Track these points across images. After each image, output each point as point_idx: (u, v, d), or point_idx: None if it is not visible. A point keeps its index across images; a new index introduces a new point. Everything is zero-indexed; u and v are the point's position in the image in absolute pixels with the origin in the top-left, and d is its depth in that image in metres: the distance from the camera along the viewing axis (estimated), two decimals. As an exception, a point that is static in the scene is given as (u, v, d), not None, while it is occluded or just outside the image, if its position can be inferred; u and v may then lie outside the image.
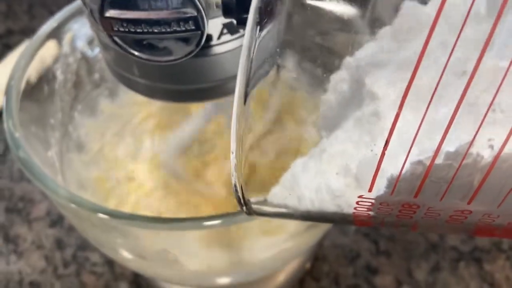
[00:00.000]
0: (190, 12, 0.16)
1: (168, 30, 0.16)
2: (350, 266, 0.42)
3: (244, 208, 0.18)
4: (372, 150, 0.15)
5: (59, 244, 0.43)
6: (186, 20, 0.16)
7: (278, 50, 0.18)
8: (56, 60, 0.31)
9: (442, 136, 0.14)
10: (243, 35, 0.21)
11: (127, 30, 0.16)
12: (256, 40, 0.15)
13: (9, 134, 0.25)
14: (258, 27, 0.16)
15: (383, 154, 0.15)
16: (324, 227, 0.28)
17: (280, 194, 0.18)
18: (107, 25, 0.16)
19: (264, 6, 0.16)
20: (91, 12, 0.19)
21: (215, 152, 0.37)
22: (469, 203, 0.16)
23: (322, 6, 0.21)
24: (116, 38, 0.16)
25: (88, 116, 0.36)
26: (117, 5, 0.15)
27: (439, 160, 0.14)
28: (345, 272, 0.42)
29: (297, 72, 0.40)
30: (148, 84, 0.22)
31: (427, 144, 0.14)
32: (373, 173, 0.15)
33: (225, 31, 0.20)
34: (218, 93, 0.23)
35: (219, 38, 0.20)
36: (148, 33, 0.16)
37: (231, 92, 0.23)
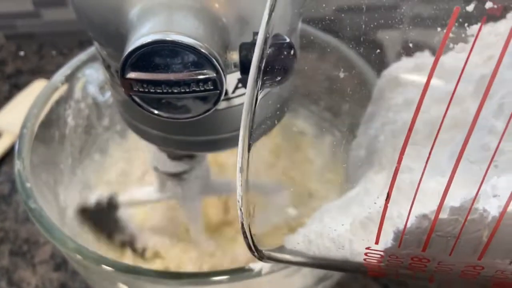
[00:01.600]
0: (209, 73, 0.16)
1: (187, 90, 0.16)
2: (359, 311, 0.41)
3: (255, 254, 0.17)
4: (375, 203, 0.15)
5: (63, 288, 0.43)
6: (205, 81, 0.16)
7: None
8: (68, 106, 0.32)
9: (444, 191, 0.14)
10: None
11: (146, 90, 0.16)
12: (257, 96, 0.15)
13: (20, 183, 0.25)
14: (259, 84, 0.16)
15: (385, 207, 0.15)
16: (332, 281, 0.27)
17: (292, 241, 0.18)
18: (127, 85, 0.16)
19: (264, 66, 0.16)
20: (109, 67, 0.20)
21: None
22: (479, 258, 0.15)
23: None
24: (135, 97, 0.16)
25: (97, 160, 0.36)
26: (138, 67, 0.15)
27: (444, 215, 0.14)
28: (355, 317, 0.41)
29: (304, 116, 0.40)
30: (160, 135, 0.22)
31: (429, 198, 0.14)
32: (377, 226, 0.15)
33: (240, 85, 0.20)
34: (231, 144, 0.23)
35: (233, 92, 0.21)
36: (167, 93, 0.16)
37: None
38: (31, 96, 0.33)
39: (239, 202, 0.16)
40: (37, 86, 0.50)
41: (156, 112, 0.17)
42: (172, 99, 0.17)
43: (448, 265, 0.16)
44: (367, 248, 0.16)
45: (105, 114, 0.35)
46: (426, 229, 0.15)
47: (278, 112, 0.24)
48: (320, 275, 0.25)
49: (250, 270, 0.21)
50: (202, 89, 0.16)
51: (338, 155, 0.37)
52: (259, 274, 0.21)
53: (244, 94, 0.21)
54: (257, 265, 0.21)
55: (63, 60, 0.33)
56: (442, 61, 0.14)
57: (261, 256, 0.18)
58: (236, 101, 0.21)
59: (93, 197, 0.34)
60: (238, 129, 0.23)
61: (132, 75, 0.16)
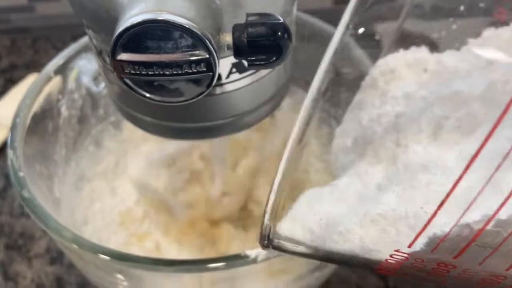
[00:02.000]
0: (202, 54, 0.16)
1: (180, 72, 0.16)
2: (357, 303, 0.41)
3: (266, 241, 0.17)
4: (422, 208, 0.15)
5: (59, 282, 0.42)
6: (198, 62, 0.16)
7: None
8: (61, 96, 0.31)
9: (501, 204, 0.14)
10: (251, 74, 0.21)
11: (138, 72, 0.16)
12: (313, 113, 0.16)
13: (13, 173, 0.25)
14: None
15: (435, 213, 0.14)
16: (328, 270, 0.27)
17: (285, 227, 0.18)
18: (118, 67, 0.16)
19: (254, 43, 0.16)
20: (101, 52, 0.20)
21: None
22: (507, 269, 0.15)
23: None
24: (126, 80, 0.16)
25: (91, 151, 0.35)
26: (129, 48, 0.15)
27: (488, 226, 0.14)
28: (352, 309, 0.41)
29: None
30: (154, 122, 0.22)
31: (483, 209, 0.14)
32: (418, 231, 0.15)
33: (234, 70, 0.20)
34: (225, 131, 0.23)
35: (228, 77, 0.20)
36: (159, 75, 0.16)
37: (237, 129, 0.23)
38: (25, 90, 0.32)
39: (273, 191, 0.16)
40: (32, 80, 0.49)
41: (148, 95, 0.17)
42: (164, 81, 0.16)
43: (472, 273, 0.16)
44: (396, 250, 0.16)
45: (99, 105, 0.35)
46: (466, 238, 0.15)
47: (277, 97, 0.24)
48: (316, 264, 0.25)
49: (246, 257, 0.21)
50: (195, 71, 0.16)
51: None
52: (254, 261, 0.21)
53: (238, 79, 0.21)
54: (252, 252, 0.21)
55: (58, 54, 0.33)
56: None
57: (268, 245, 0.17)
58: (230, 87, 0.21)
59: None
60: (233, 116, 0.23)
61: (123, 56, 0.15)
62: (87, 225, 0.33)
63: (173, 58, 0.15)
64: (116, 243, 0.33)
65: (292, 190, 0.19)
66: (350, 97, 0.34)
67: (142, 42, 0.15)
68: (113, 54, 0.15)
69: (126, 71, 0.16)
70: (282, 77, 0.23)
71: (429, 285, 0.40)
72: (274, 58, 0.16)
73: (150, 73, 0.16)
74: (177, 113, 0.21)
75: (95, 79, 0.34)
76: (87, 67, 0.33)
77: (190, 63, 0.16)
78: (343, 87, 0.34)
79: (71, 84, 0.32)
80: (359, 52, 0.31)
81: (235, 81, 0.21)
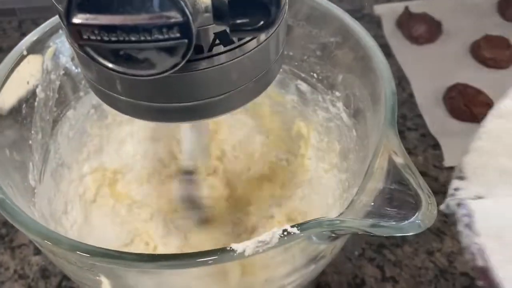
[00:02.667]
0: (175, 16, 0.13)
1: (149, 38, 0.13)
2: (354, 295, 0.39)
3: None
4: None
5: (44, 273, 0.40)
6: (170, 26, 0.13)
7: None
8: (36, 77, 0.29)
9: None
10: (237, 47, 0.19)
11: (98, 38, 0.13)
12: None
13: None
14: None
15: None
16: (325, 261, 0.25)
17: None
18: (75, 33, 0.13)
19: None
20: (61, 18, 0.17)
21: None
22: None
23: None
24: (87, 49, 0.14)
25: (72, 137, 0.33)
26: (86, 7, 0.13)
27: None
28: (349, 301, 0.39)
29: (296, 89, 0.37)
30: (131, 102, 0.20)
31: None
32: None
33: (217, 41, 0.18)
34: (208, 113, 0.20)
35: (210, 49, 0.18)
36: (124, 42, 0.13)
37: (222, 111, 0.21)
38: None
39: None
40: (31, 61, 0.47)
41: (112, 66, 0.14)
42: (132, 50, 0.14)
43: None
44: None
45: (79, 87, 0.33)
46: None
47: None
48: (311, 256, 0.23)
49: (232, 251, 0.19)
50: (167, 37, 0.14)
51: (331, 128, 0.35)
52: (242, 255, 0.19)
53: (222, 52, 0.18)
54: (239, 246, 0.19)
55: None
56: None
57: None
58: (214, 62, 0.18)
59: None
60: (219, 95, 0.21)
61: (79, 19, 0.13)
62: (66, 214, 0.31)
63: (140, 20, 0.13)
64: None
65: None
66: (348, 78, 0.32)
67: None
68: (68, 16, 0.13)
69: (84, 37, 0.13)
70: (273, 52, 0.21)
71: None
72: (261, 23, 0.14)
73: (113, 39, 0.13)
74: (154, 92, 0.19)
75: (74, 58, 0.31)
76: (66, 45, 0.31)
77: (161, 27, 0.13)
78: (340, 67, 0.32)
79: (47, 63, 0.30)
80: (358, 29, 0.29)
81: (219, 55, 0.18)
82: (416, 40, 0.58)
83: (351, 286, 0.40)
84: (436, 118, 0.50)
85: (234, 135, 0.36)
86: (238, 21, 0.14)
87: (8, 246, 0.42)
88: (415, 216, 0.19)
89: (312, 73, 0.34)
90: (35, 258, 0.41)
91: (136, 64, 0.14)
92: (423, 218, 0.19)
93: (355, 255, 0.41)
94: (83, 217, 0.33)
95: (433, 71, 0.55)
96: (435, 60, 0.56)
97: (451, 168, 0.46)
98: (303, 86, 0.35)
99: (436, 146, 0.48)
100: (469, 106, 0.49)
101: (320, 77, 0.34)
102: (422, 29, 0.57)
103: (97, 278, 0.22)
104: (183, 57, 0.14)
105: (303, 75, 0.35)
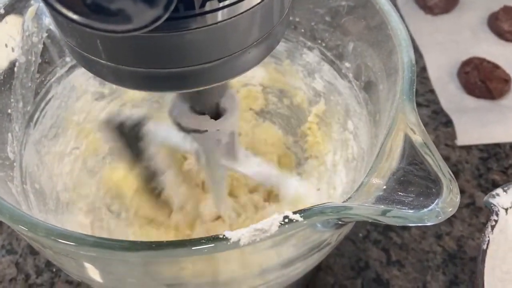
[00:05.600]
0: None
1: (121, -18, 0.11)
2: (357, 278, 0.37)
3: None
4: None
5: (32, 249, 0.39)
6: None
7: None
8: (15, 39, 0.26)
9: None
10: (235, 2, 0.16)
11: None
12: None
13: None
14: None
15: None
16: (329, 248, 0.23)
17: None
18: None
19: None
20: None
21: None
22: None
23: None
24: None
25: (58, 106, 0.31)
26: None
27: None
28: (352, 284, 0.37)
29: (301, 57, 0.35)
30: (113, 67, 0.17)
31: None
32: None
33: (210, -5, 0.15)
34: (199, 81, 0.18)
35: (202, 5, 0.15)
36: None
37: (215, 80, 0.18)
38: None
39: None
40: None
41: (77, 18, 0.12)
42: (102, -2, 0.11)
43: None
44: None
45: (67, 52, 0.30)
46: None
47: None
48: (315, 244, 0.20)
49: (226, 239, 0.16)
50: (144, -19, 0.11)
51: (339, 103, 0.32)
52: (236, 244, 0.16)
53: (217, 9, 0.16)
54: (233, 234, 0.16)
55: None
56: None
57: None
58: (207, 20, 0.16)
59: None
60: (215, 60, 0.18)
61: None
62: (50, 191, 0.28)
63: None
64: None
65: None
66: (359, 48, 0.29)
67: None
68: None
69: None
70: (276, 11, 0.18)
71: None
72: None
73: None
74: (137, 55, 0.16)
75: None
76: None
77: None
78: (350, 35, 0.29)
79: (28, 24, 0.27)
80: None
81: (213, 12, 0.16)
82: (430, 10, 0.54)
83: (354, 270, 0.38)
84: (450, 94, 0.47)
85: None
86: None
87: (-4, 219, 0.40)
88: (434, 203, 0.17)
89: (320, 41, 0.31)
90: (24, 233, 0.39)
91: (108, 16, 0.12)
92: (444, 205, 0.17)
93: (359, 237, 0.39)
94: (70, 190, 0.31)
95: (447, 43, 0.52)
96: (450, 32, 0.53)
97: (464, 148, 0.44)
98: (309, 56, 0.32)
99: (449, 123, 0.45)
100: (485, 81, 0.46)
101: (328, 46, 0.31)
102: (437, -2, 0.54)
103: (76, 264, 0.20)
104: (166, 8, 0.12)
105: (309, 43, 0.32)
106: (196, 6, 0.15)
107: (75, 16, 0.12)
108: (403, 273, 0.38)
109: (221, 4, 0.15)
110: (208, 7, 0.15)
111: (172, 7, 0.12)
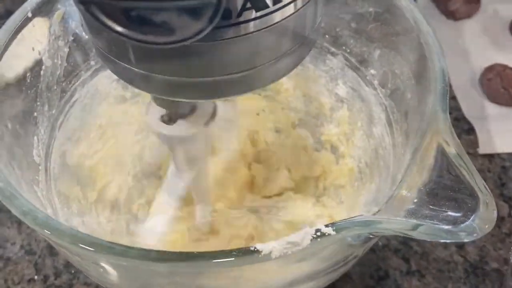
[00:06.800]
0: (200, -31, 0.10)
1: (167, -4, 0.11)
2: (376, 287, 0.37)
3: None
4: None
5: (51, 250, 0.39)
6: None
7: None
8: (42, 42, 0.26)
9: None
10: (272, 12, 0.16)
11: (105, -6, 0.11)
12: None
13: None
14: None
15: None
16: (354, 261, 0.22)
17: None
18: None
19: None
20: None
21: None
22: None
23: None
24: (93, 8, 0.11)
25: (83, 106, 0.31)
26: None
27: None
28: (371, 293, 0.37)
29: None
30: (145, 74, 0.17)
31: None
32: None
33: (248, 5, 0.15)
34: (229, 90, 0.18)
35: (239, 15, 0.15)
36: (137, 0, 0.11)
37: (249, 89, 0.18)
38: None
39: None
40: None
41: (122, 30, 0.12)
42: (146, 10, 0.11)
43: None
44: None
45: (91, 56, 0.30)
46: None
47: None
48: (342, 257, 0.20)
49: (257, 251, 0.16)
50: (190, -5, 0.11)
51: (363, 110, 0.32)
52: (268, 257, 0.16)
53: (253, 19, 0.16)
54: (265, 247, 0.16)
55: None
56: None
57: None
58: (242, 30, 0.16)
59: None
60: (247, 69, 0.18)
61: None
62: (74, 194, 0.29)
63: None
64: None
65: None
66: (385, 54, 0.28)
67: None
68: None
69: (88, -8, 0.11)
70: (310, 20, 0.18)
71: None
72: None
73: (123, -4, 0.11)
74: (171, 63, 0.16)
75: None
76: (75, 9, 0.28)
77: (183, -18, 0.11)
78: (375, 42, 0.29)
79: (55, 28, 0.27)
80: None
81: (249, 21, 0.15)
82: (452, 15, 0.54)
83: (373, 278, 0.37)
84: (472, 101, 0.47)
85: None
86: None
87: (15, 219, 0.40)
88: (471, 219, 0.17)
89: (344, 48, 0.31)
90: (43, 234, 0.40)
91: (152, 28, 0.11)
92: (480, 221, 0.17)
93: (379, 245, 0.39)
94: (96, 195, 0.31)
95: (469, 49, 0.51)
96: (472, 38, 0.52)
97: (486, 156, 0.43)
98: (333, 62, 0.32)
99: (471, 131, 0.45)
100: (508, 88, 0.46)
101: (353, 52, 0.31)
102: (459, 3, 0.53)
103: (101, 270, 0.20)
104: (210, 21, 0.12)
105: (333, 49, 0.32)
106: (233, 16, 0.15)
107: (119, 28, 0.11)
108: (423, 283, 0.37)
109: (259, 14, 0.15)
110: (243, 17, 0.15)
111: (217, 20, 0.12)
